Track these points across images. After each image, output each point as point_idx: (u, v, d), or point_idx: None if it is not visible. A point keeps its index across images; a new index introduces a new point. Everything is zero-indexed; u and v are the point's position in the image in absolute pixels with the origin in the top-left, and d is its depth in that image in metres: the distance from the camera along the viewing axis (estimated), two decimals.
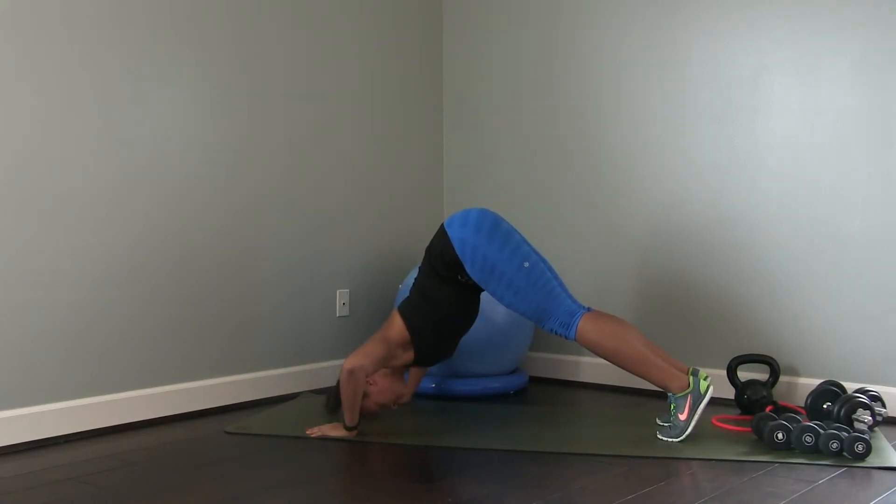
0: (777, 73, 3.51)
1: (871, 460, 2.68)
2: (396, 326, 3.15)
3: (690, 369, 2.98)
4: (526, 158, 4.19)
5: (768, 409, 3.23)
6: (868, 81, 3.31)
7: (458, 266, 3.06)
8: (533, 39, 4.16)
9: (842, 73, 3.37)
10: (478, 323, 3.62)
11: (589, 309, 3.03)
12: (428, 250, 3.17)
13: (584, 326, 2.97)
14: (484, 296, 3.49)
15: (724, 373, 3.48)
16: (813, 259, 3.44)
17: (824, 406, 3.09)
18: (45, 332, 2.99)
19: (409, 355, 3.19)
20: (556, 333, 3.02)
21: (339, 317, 3.93)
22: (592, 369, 3.99)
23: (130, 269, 3.21)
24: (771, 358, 3.39)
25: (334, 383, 3.30)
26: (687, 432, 2.91)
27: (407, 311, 3.16)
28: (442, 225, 3.15)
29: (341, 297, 3.94)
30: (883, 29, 3.28)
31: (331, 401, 3.19)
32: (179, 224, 3.36)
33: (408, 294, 3.25)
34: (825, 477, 2.55)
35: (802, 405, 3.22)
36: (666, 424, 3.00)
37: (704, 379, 2.94)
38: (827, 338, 3.42)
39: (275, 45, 3.69)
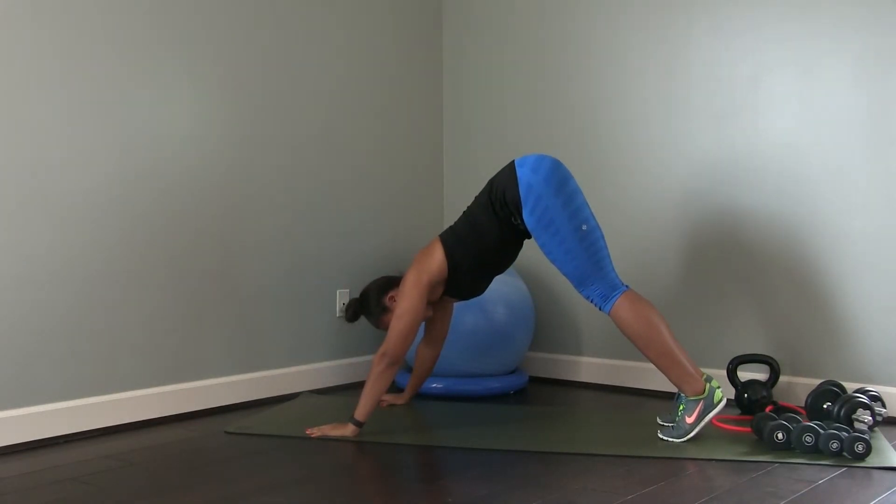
0: (777, 73, 3.51)
1: (871, 460, 2.68)
2: (437, 260, 3.10)
3: (705, 376, 2.98)
4: None
5: (768, 409, 3.23)
6: (868, 81, 3.32)
7: (516, 208, 3.01)
8: (533, 39, 4.17)
9: (842, 73, 3.37)
10: (478, 323, 3.63)
11: (629, 288, 3.01)
12: (491, 182, 3.11)
13: (622, 304, 2.96)
14: (481, 296, 3.49)
15: (724, 373, 3.48)
16: (813, 259, 3.44)
17: (824, 406, 3.09)
18: (44, 332, 2.99)
19: (438, 291, 3.17)
20: (591, 302, 3.00)
21: (339, 317, 3.93)
22: (592, 369, 3.99)
23: (130, 268, 3.21)
24: (771, 358, 3.39)
25: (362, 290, 3.43)
26: (690, 435, 2.91)
27: (451, 242, 3.12)
28: (512, 162, 3.07)
29: (341, 297, 3.94)
30: (883, 29, 3.28)
31: (350, 310, 3.37)
32: (179, 224, 3.36)
33: (454, 223, 3.20)
34: (825, 477, 2.55)
35: (802, 405, 3.22)
36: (669, 424, 2.99)
37: (718, 388, 2.94)
38: (827, 338, 3.42)
39: (274, 45, 3.69)
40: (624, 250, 3.88)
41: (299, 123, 3.79)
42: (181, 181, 3.37)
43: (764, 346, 3.55)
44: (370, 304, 3.33)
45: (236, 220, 3.55)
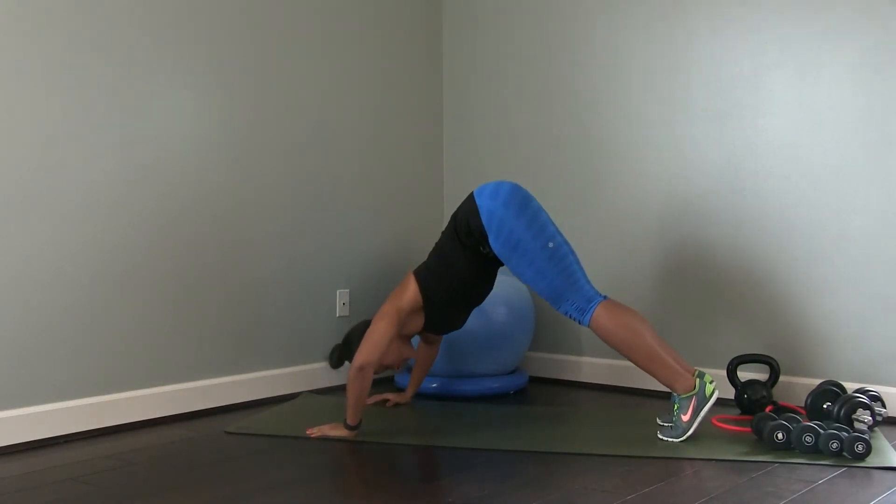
0: (777, 72, 3.51)
1: (871, 460, 2.68)
2: (410, 291, 3.15)
3: (696, 371, 2.98)
4: (525, 159, 4.19)
5: (768, 409, 3.23)
6: (868, 81, 3.31)
7: (482, 237, 3.05)
8: (533, 39, 4.17)
9: (842, 73, 3.37)
10: (478, 323, 3.63)
11: (606, 298, 3.02)
12: (454, 216, 3.16)
13: (600, 314, 2.97)
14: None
15: (724, 373, 3.48)
16: (813, 259, 3.44)
17: (824, 406, 3.09)
18: (45, 332, 2.99)
19: (419, 322, 3.21)
20: (570, 317, 3.02)
21: (339, 317, 3.93)
22: (592, 369, 3.99)
23: (130, 269, 3.22)
24: (771, 358, 3.39)
25: (340, 341, 3.50)
26: (688, 433, 2.91)
27: (423, 275, 3.17)
28: (472, 193, 3.13)
29: (341, 297, 3.94)
30: (883, 29, 3.28)
31: (333, 356, 3.43)
32: (179, 224, 3.36)
33: (426, 259, 3.24)
34: (825, 477, 2.55)
35: (802, 405, 3.22)
36: (667, 424, 3.00)
37: (710, 382, 2.94)
38: (827, 338, 3.42)
39: (275, 44, 3.69)
40: (624, 249, 3.88)
41: (299, 124, 3.79)
42: (181, 181, 3.37)
43: (764, 346, 3.55)
44: (353, 348, 3.34)
45: (236, 220, 3.55)
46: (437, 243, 3.23)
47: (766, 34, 3.53)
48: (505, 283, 3.73)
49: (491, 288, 3.26)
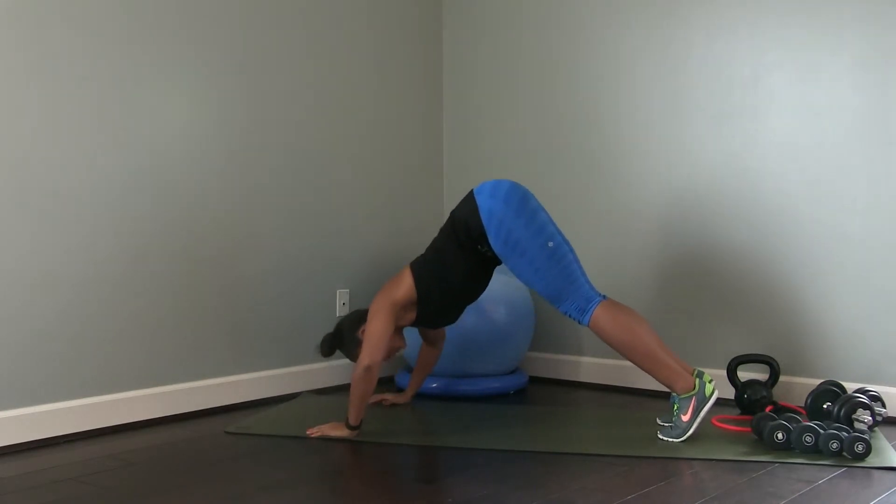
0: (777, 72, 3.51)
1: (871, 460, 2.68)
2: (405, 285, 3.14)
3: (695, 371, 2.98)
4: (525, 159, 4.19)
5: (768, 409, 3.23)
6: (868, 81, 3.31)
7: (481, 236, 3.03)
8: (533, 39, 4.17)
9: (842, 73, 3.37)
10: (478, 323, 3.63)
11: (605, 297, 3.02)
12: (453, 214, 3.15)
13: (599, 315, 2.96)
14: (481, 296, 3.50)
15: (724, 373, 3.48)
16: (813, 259, 3.44)
17: (824, 406, 3.09)
18: (44, 332, 2.99)
19: (411, 316, 3.20)
20: (569, 317, 3.01)
21: (339, 317, 3.93)
22: (592, 369, 3.99)
23: (130, 268, 3.21)
24: (771, 358, 3.39)
25: (333, 329, 3.39)
26: (688, 433, 2.91)
27: (419, 269, 3.16)
28: (471, 191, 3.11)
29: (341, 297, 3.94)
30: (883, 29, 3.28)
31: (325, 345, 3.31)
32: (178, 224, 3.36)
33: (423, 253, 3.23)
34: (825, 477, 2.55)
35: (802, 405, 3.22)
36: (667, 424, 3.00)
37: (709, 382, 2.94)
38: (827, 338, 3.42)
39: (274, 43, 3.69)
40: (624, 249, 3.88)
41: (299, 123, 3.79)
42: (180, 181, 3.37)
43: (764, 346, 3.55)
44: (344, 337, 3.32)
45: (235, 219, 3.55)
46: (434, 239, 3.22)
47: (766, 34, 3.53)
48: (505, 283, 3.73)
49: (486, 285, 3.26)
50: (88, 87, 3.10)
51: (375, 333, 3.04)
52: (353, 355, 3.29)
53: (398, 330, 3.25)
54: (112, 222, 3.16)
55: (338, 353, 3.91)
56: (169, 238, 3.33)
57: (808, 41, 3.44)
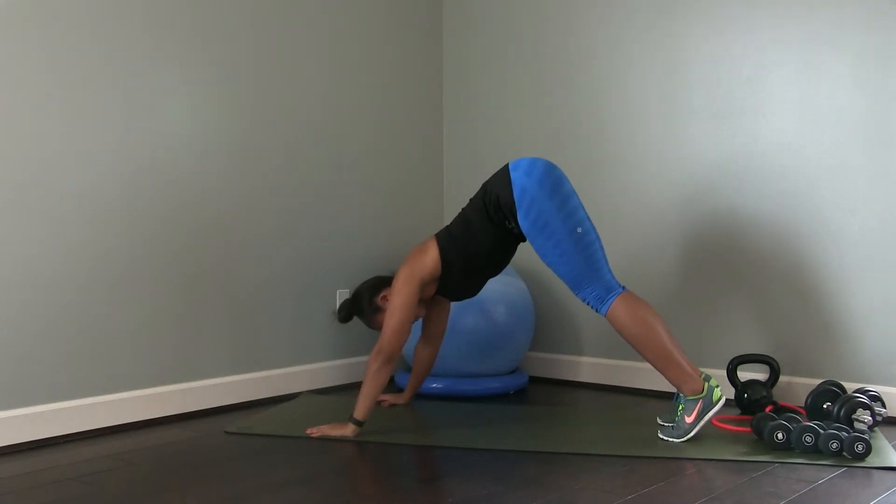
0: (777, 72, 3.51)
1: (871, 460, 2.68)
2: (430, 258, 3.12)
3: (703, 375, 2.98)
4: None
5: (768, 409, 3.22)
6: (868, 81, 3.31)
7: (510, 212, 3.01)
8: (533, 39, 4.17)
9: (842, 73, 3.37)
10: (478, 323, 3.63)
11: (625, 289, 3.01)
12: (484, 187, 3.13)
13: (618, 306, 2.96)
14: (481, 296, 3.49)
15: (724, 373, 3.48)
16: (813, 259, 3.44)
17: (824, 406, 3.09)
18: (44, 332, 2.99)
19: (432, 289, 3.19)
20: (588, 304, 3.01)
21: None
22: (592, 369, 3.99)
23: (130, 268, 3.21)
24: (771, 358, 3.39)
25: (350, 295, 3.41)
26: (690, 435, 2.91)
27: (445, 240, 3.14)
28: (506, 166, 3.09)
29: (341, 296, 3.94)
30: (883, 29, 3.28)
31: (343, 311, 3.35)
32: (178, 224, 3.36)
33: (449, 224, 3.21)
34: (825, 477, 2.55)
35: (802, 405, 3.22)
36: (669, 424, 2.99)
37: (717, 387, 2.94)
38: (827, 338, 3.42)
39: (274, 43, 3.69)
40: (624, 249, 3.88)
41: (298, 123, 3.79)
42: (180, 181, 3.37)
43: (764, 346, 3.55)
44: (363, 304, 3.32)
45: (236, 219, 3.55)
46: (463, 210, 3.19)
47: (766, 34, 3.53)
48: (505, 283, 3.73)
49: (510, 260, 3.23)
50: (89, 87, 3.10)
51: (400, 314, 3.03)
52: (371, 322, 3.30)
53: (420, 301, 3.20)
54: (112, 222, 3.16)
55: (338, 352, 3.93)
56: (169, 238, 3.33)
57: (808, 41, 3.44)
